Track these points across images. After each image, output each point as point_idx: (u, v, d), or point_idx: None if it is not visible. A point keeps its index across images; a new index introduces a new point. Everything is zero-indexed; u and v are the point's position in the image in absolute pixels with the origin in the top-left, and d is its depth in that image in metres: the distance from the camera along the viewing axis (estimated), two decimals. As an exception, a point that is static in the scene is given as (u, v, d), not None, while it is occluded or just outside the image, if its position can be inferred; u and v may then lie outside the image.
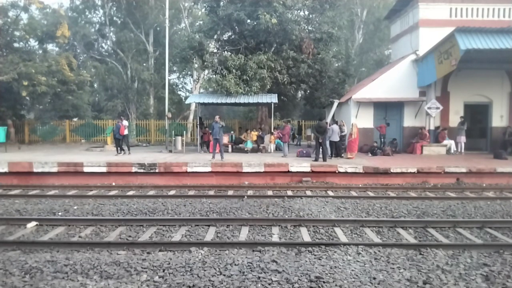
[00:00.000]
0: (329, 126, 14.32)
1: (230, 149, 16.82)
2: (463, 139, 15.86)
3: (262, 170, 12.15)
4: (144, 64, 28.43)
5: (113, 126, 19.33)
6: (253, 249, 5.77)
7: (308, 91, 21.18)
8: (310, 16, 20.02)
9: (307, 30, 19.34)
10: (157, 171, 12.18)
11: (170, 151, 16.68)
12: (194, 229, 6.86)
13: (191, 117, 26.79)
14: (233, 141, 17.71)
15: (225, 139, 16.25)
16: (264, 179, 12.16)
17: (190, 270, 4.85)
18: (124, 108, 27.58)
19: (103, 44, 30.98)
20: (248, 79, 17.00)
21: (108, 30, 28.60)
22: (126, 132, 15.43)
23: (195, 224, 7.08)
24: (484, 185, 11.54)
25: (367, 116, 16.69)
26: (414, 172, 11.90)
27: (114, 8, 27.98)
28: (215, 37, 19.83)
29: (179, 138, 17.46)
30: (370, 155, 15.29)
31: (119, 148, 15.37)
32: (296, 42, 18.14)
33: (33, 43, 25.06)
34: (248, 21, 18.34)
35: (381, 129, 16.17)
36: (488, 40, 12.86)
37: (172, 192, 10.38)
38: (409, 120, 16.79)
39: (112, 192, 10.33)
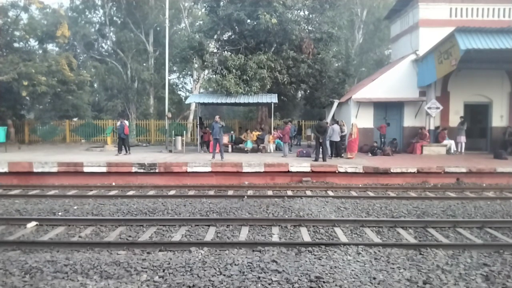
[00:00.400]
0: (330, 126, 14.34)
1: (230, 149, 16.82)
2: (463, 139, 15.87)
3: (262, 170, 12.15)
4: (144, 64, 28.43)
5: (113, 126, 19.33)
6: (253, 249, 5.77)
7: (308, 91, 21.17)
8: (310, 16, 20.01)
9: (307, 30, 19.33)
10: (157, 171, 12.18)
11: (170, 151, 16.68)
12: (194, 229, 6.86)
13: (191, 117, 26.78)
14: (233, 141, 17.71)
15: (225, 139, 16.25)
16: (264, 179, 12.15)
17: (190, 270, 4.85)
18: (124, 108, 27.58)
19: (103, 44, 31.03)
20: (248, 79, 16.99)
21: (108, 30, 28.59)
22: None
23: (195, 224, 7.08)
24: (484, 185, 11.54)
25: (367, 116, 16.69)
26: (414, 172, 11.90)
27: (114, 8, 27.98)
28: (215, 37, 19.82)
29: (179, 138, 17.46)
30: (370, 155, 15.29)
31: (123, 147, 15.41)
32: (296, 42, 18.13)
33: (33, 43, 25.11)
34: (248, 21, 18.34)
35: (381, 129, 16.18)
36: (488, 40, 12.86)
37: (172, 192, 10.37)
38: (409, 120, 16.79)
39: (112, 192, 10.33)
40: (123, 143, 15.41)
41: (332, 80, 21.02)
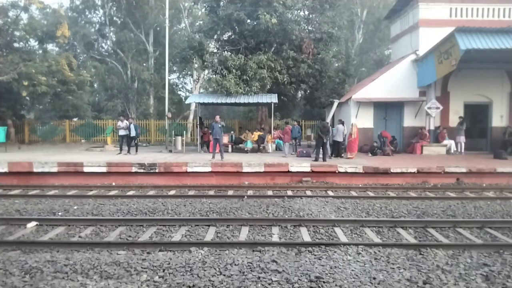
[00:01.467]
0: (336, 125, 14.46)
1: (230, 149, 16.82)
2: (462, 139, 15.87)
3: (262, 170, 12.15)
4: (144, 64, 28.44)
5: (113, 126, 19.36)
6: (253, 249, 5.77)
7: (308, 91, 21.17)
8: (310, 16, 20.01)
9: (307, 30, 19.33)
10: (157, 171, 12.18)
11: (170, 151, 16.68)
12: (194, 229, 6.86)
13: (191, 117, 26.79)
14: (233, 141, 17.71)
15: (225, 139, 16.25)
16: (264, 179, 12.15)
17: (190, 270, 4.85)
18: (124, 108, 27.59)
19: (103, 44, 31.04)
20: (248, 79, 16.99)
21: (108, 30, 28.61)
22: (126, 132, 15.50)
23: (195, 224, 7.08)
24: (484, 185, 11.54)
25: (367, 116, 16.69)
26: (414, 172, 11.90)
27: (114, 8, 28.01)
28: (215, 37, 19.83)
29: (179, 138, 17.45)
30: (370, 155, 15.29)
31: (125, 147, 15.46)
32: (296, 42, 18.13)
33: (33, 43, 25.07)
34: (248, 21, 18.34)
35: (383, 133, 16.16)
36: (488, 40, 12.86)
37: (172, 192, 10.37)
38: (409, 120, 16.78)
39: (112, 192, 10.33)
40: (127, 143, 15.50)
41: (332, 80, 21.02)
